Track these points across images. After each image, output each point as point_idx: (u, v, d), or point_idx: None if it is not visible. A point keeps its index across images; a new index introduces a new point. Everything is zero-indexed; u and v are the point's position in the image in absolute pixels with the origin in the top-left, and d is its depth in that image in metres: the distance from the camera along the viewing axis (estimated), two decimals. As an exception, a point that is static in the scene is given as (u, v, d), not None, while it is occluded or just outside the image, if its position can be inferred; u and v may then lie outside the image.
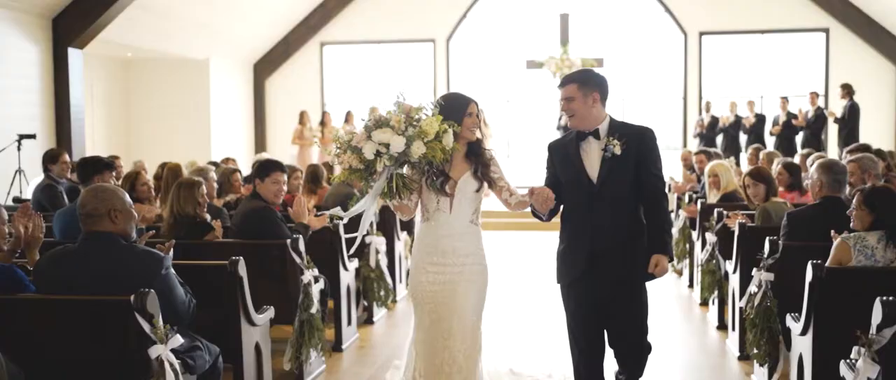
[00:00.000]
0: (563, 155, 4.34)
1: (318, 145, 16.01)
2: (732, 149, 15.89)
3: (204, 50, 17.15)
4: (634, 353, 4.42)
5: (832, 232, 4.63)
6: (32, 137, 11.34)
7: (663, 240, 4.21)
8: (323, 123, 16.67)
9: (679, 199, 9.62)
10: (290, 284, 5.47)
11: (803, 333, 4.28)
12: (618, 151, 4.14)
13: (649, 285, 4.39)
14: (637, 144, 4.20)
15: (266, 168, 5.78)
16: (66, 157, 8.45)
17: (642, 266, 4.20)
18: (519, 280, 9.42)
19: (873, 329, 3.29)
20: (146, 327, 3.53)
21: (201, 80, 17.62)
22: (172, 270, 3.83)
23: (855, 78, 16.71)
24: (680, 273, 9.27)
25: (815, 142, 14.98)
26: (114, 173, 5.96)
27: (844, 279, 4.01)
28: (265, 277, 5.38)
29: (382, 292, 7.33)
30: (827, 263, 4.27)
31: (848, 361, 3.44)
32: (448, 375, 4.27)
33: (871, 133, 16.11)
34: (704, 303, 7.75)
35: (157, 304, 3.57)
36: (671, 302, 8.27)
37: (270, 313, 4.94)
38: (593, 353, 4.41)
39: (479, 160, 4.35)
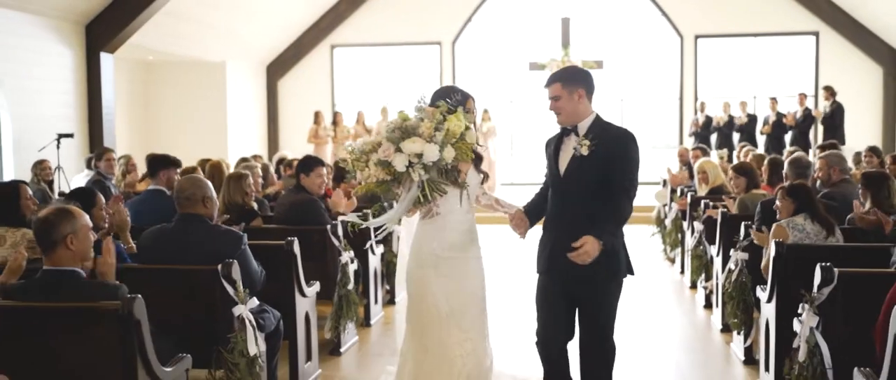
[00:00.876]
0: (549, 150, 4.37)
1: (331, 143, 16.79)
2: (725, 147, 16.67)
3: (220, 53, 17.96)
4: (595, 351, 4.31)
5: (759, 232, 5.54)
6: (70, 136, 12.16)
7: (603, 227, 4.03)
8: (335, 123, 17.47)
9: (672, 192, 10.45)
10: (329, 264, 6.29)
11: (769, 300, 5.11)
12: (585, 151, 4.12)
13: (647, 276, 4.83)
14: (611, 148, 4.13)
15: (310, 164, 6.62)
16: (113, 155, 9.27)
17: (606, 266, 4.10)
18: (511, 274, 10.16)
19: (815, 289, 4.13)
20: (230, 290, 4.37)
21: (218, 82, 18.43)
22: (248, 247, 4.67)
23: (843, 79, 17.55)
24: (673, 261, 10.10)
25: (804, 140, 15.77)
26: (177, 169, 6.78)
27: (800, 254, 4.83)
28: (308, 258, 6.16)
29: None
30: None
31: (798, 317, 4.27)
32: (460, 371, 4.36)
33: (859, 132, 16.93)
34: (693, 286, 8.57)
35: (239, 272, 4.41)
36: (665, 286, 9.09)
37: (317, 286, 5.77)
38: (557, 345, 4.35)
39: (476, 154, 4.49)
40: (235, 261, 4.40)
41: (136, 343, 3.48)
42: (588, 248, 3.93)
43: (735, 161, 12.63)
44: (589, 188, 4.14)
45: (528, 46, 19.40)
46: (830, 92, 15.99)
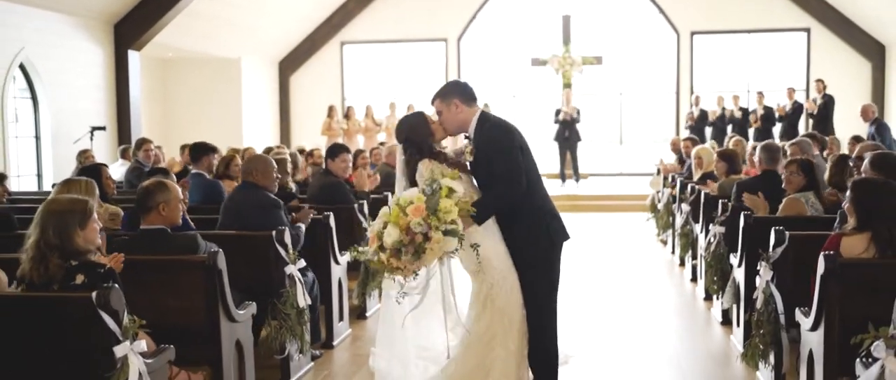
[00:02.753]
0: None
1: (343, 136, 17.60)
2: (719, 140, 17.45)
3: (236, 49, 18.78)
4: (532, 338, 4.52)
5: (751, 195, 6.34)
6: (103, 128, 13.03)
7: (480, 204, 4.26)
8: (347, 116, 18.29)
9: (665, 179, 11.30)
10: (357, 238, 7.12)
11: (739, 266, 5.95)
12: (470, 158, 4.45)
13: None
14: (484, 147, 4.38)
15: (336, 150, 7.46)
16: (152, 146, 10.10)
17: (519, 251, 4.40)
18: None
19: (770, 248, 4.98)
20: (282, 252, 5.22)
21: (233, 78, 19.26)
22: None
23: (834, 74, 18.34)
24: (665, 242, 10.93)
25: (793, 132, 16.52)
26: (215, 155, 7.67)
27: (764, 225, 5.65)
28: (338, 232, 7.03)
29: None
30: (778, 214, 6.02)
31: (755, 269, 5.13)
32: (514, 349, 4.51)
33: (848, 124, 17.70)
34: (682, 263, 9.42)
35: (291, 237, 5.26)
36: (658, 265, 9.93)
37: (348, 256, 6.59)
38: None
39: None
40: (287, 228, 5.27)
41: (218, 288, 4.33)
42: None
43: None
44: (486, 187, 4.41)
45: (530, 43, 20.19)
46: (823, 84, 16.79)
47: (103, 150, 13.39)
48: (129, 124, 14.30)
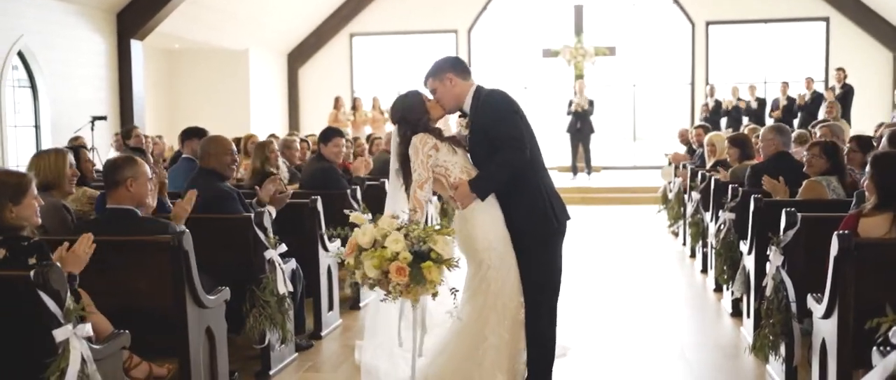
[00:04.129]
0: None
1: (351, 128, 17.34)
2: (735, 131, 17.07)
3: (243, 41, 18.55)
4: (529, 322, 4.31)
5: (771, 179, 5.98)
6: (104, 118, 12.81)
7: (481, 176, 4.14)
8: (354, 108, 18.03)
9: (675, 167, 10.94)
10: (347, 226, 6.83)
11: (749, 252, 5.61)
12: (465, 131, 4.31)
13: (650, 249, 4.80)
14: (480, 115, 4.20)
15: (329, 135, 7.17)
16: (139, 130, 9.91)
17: (519, 230, 4.21)
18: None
19: (781, 231, 4.63)
20: (262, 236, 4.93)
21: (241, 69, 19.05)
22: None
23: (853, 64, 17.88)
24: (676, 234, 10.58)
25: (811, 122, 16.12)
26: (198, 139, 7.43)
27: (776, 208, 5.31)
28: (330, 219, 6.74)
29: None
30: (798, 198, 5.69)
31: (765, 255, 4.78)
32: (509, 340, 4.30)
33: (868, 114, 17.27)
34: (693, 254, 9.07)
35: (270, 220, 4.97)
36: (669, 256, 9.58)
37: (338, 243, 6.31)
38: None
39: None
40: (266, 209, 4.98)
41: (185, 272, 4.04)
42: (461, 190, 4.11)
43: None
44: (486, 161, 4.21)
45: (541, 33, 19.86)
46: (843, 73, 16.37)
47: (104, 139, 13.18)
48: (132, 114, 14.09)
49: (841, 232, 3.69)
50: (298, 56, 21.01)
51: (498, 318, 4.25)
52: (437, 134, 4.30)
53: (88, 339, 3.18)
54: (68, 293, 3.08)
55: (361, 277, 3.84)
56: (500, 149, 4.09)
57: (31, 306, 3.01)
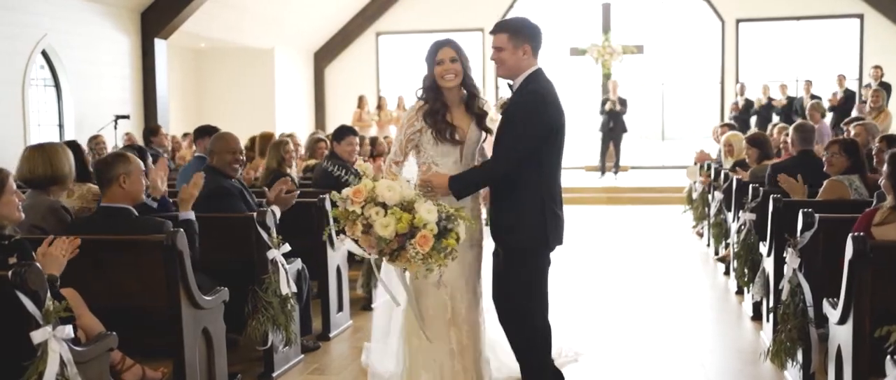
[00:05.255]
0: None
1: (375, 127, 17.30)
2: (764, 130, 16.72)
3: (270, 40, 18.57)
4: (510, 333, 4.18)
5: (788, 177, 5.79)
6: (127, 117, 12.86)
7: (463, 177, 4.00)
8: (379, 107, 17.97)
9: (701, 167, 10.71)
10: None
11: (769, 255, 5.41)
12: (499, 111, 4.09)
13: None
14: (512, 108, 3.99)
15: (342, 133, 7.08)
16: (164, 131, 9.87)
17: (501, 238, 4.06)
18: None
19: (798, 233, 4.44)
20: (264, 236, 4.84)
21: (267, 68, 19.08)
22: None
23: (889, 61, 17.44)
24: (701, 235, 10.36)
25: (843, 120, 15.74)
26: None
27: (796, 209, 5.12)
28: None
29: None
30: (819, 197, 5.50)
31: (783, 258, 4.59)
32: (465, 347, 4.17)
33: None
34: (718, 254, 8.85)
35: (274, 220, 4.88)
36: (693, 257, 9.36)
37: (348, 242, 6.20)
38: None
39: (479, 111, 4.25)
40: (271, 209, 4.89)
41: (178, 272, 3.96)
42: (437, 180, 3.97)
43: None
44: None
45: (569, 32, 19.64)
46: (880, 71, 15.96)
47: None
48: (155, 113, 14.14)
49: (856, 234, 3.51)
50: (325, 55, 21.00)
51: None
52: (437, 117, 4.14)
53: (73, 341, 3.10)
54: (48, 294, 3.00)
55: (353, 230, 3.69)
56: (496, 153, 3.97)
57: (9, 306, 2.93)
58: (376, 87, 20.64)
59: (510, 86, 4.06)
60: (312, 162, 8.82)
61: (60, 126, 12.65)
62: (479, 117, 4.26)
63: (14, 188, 3.38)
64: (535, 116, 3.89)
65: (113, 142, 12.50)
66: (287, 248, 4.97)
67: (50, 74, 12.51)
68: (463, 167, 4.17)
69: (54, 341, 2.96)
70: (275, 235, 4.90)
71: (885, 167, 3.73)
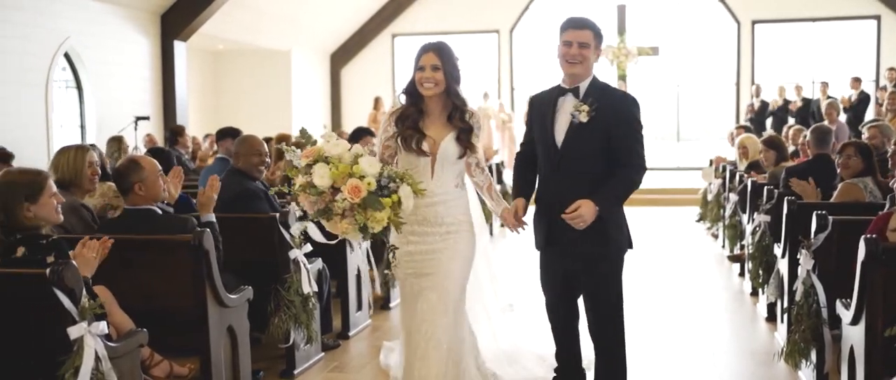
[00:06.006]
0: (541, 112, 4.01)
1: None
2: (780, 132, 16.70)
3: (287, 42, 18.72)
4: (605, 326, 4.05)
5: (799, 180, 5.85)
6: (147, 118, 13.03)
7: (604, 194, 3.80)
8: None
9: (716, 169, 10.77)
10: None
11: (783, 256, 5.48)
12: (584, 118, 3.80)
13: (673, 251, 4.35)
14: (612, 113, 3.82)
15: (359, 134, 7.22)
16: (185, 131, 10.02)
17: (614, 241, 3.93)
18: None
19: (812, 235, 4.51)
20: (287, 236, 4.95)
21: (283, 70, 19.23)
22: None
23: (906, 64, 17.43)
24: (716, 236, 10.41)
25: (857, 124, 15.73)
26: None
27: (810, 211, 5.18)
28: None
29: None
30: (833, 200, 5.56)
31: (797, 259, 4.66)
32: (424, 351, 3.89)
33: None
34: (732, 253, 8.91)
35: (295, 218, 4.99)
36: (707, 259, 9.42)
37: (367, 243, 6.32)
38: (563, 322, 4.17)
39: (461, 124, 3.95)
40: (291, 209, 5.00)
41: (205, 270, 4.07)
42: (583, 211, 3.71)
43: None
44: (589, 159, 3.86)
45: (584, 34, 19.65)
46: (894, 73, 15.95)
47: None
48: (175, 114, 14.31)
49: (868, 236, 3.58)
50: (341, 56, 21.13)
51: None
52: (405, 123, 3.92)
53: (106, 337, 3.21)
54: (84, 291, 3.11)
55: (300, 186, 3.53)
56: (623, 161, 3.84)
57: (47, 303, 3.05)
58: (392, 88, 20.74)
59: (564, 89, 3.91)
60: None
61: (82, 127, 12.83)
62: (462, 131, 3.96)
63: (53, 190, 3.49)
64: (637, 117, 3.90)
65: (133, 143, 12.67)
66: (309, 248, 5.08)
67: (72, 76, 12.70)
68: (436, 184, 3.92)
69: (90, 336, 3.07)
70: (297, 235, 5.01)
71: (898, 170, 3.79)
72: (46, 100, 11.75)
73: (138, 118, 12.79)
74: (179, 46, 14.42)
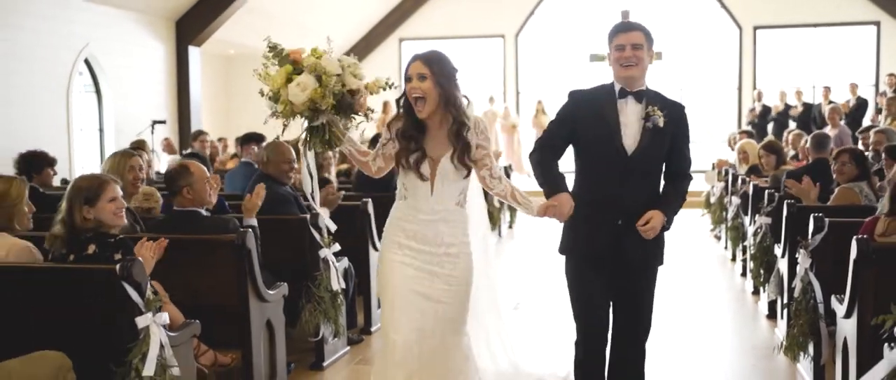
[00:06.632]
0: (595, 112, 3.77)
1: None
2: (781, 136, 17.00)
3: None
4: (638, 337, 4.01)
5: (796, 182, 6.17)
6: (163, 122, 13.38)
7: (671, 206, 3.80)
8: (403, 112, 18.36)
9: (719, 173, 11.11)
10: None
11: (783, 256, 5.80)
12: (661, 123, 3.69)
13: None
14: (675, 120, 3.75)
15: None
16: (206, 137, 10.36)
17: (662, 252, 3.95)
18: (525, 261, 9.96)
19: (809, 234, 4.85)
20: (317, 236, 5.28)
21: (293, 74, 19.50)
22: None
23: (905, 69, 17.73)
24: (719, 238, 10.73)
25: (855, 128, 16.02)
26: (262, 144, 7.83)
27: (806, 214, 5.50)
28: (380, 221, 7.07)
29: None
30: (830, 203, 5.87)
31: (793, 259, 4.99)
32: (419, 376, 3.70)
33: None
34: (734, 258, 9.23)
35: (324, 222, 5.31)
36: (710, 260, 9.75)
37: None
38: (599, 336, 3.93)
39: (456, 141, 3.71)
40: (321, 212, 5.34)
41: (248, 268, 4.40)
42: (656, 223, 3.69)
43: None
44: (658, 164, 3.80)
45: (588, 38, 19.97)
46: (895, 79, 16.24)
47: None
48: (190, 118, 14.65)
49: (860, 237, 3.90)
50: (349, 60, 21.41)
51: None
52: (408, 140, 3.75)
53: (165, 326, 3.54)
54: (148, 285, 3.44)
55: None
56: (677, 169, 3.85)
57: (117, 296, 3.38)
58: (401, 92, 21.01)
59: (625, 91, 3.74)
60: (345, 166, 9.28)
61: (101, 131, 13.16)
62: (463, 149, 3.72)
63: (112, 196, 3.80)
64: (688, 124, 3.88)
65: (151, 146, 12.99)
66: (337, 247, 5.41)
67: (91, 81, 13.03)
68: (436, 201, 3.76)
69: (155, 326, 3.40)
70: (326, 235, 5.33)
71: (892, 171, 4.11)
72: (67, 104, 12.08)
73: (155, 122, 13.13)
74: (194, 52, 14.77)
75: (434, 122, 3.73)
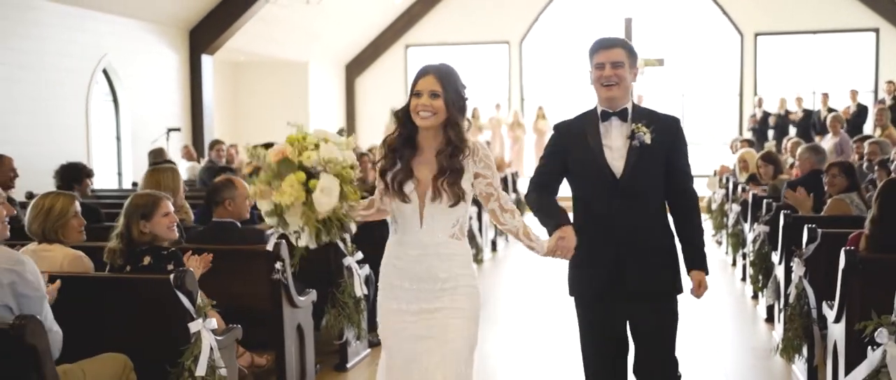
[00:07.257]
0: (580, 139, 3.59)
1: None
2: (781, 143, 17.29)
3: (304, 53, 19.41)
4: (660, 371, 3.70)
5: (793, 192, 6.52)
6: (178, 130, 13.74)
7: (701, 253, 3.64)
8: (410, 119, 18.67)
9: (720, 179, 11.45)
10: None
11: (780, 263, 6.14)
12: (648, 139, 3.46)
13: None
14: (668, 135, 3.52)
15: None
16: (223, 146, 10.70)
17: (676, 277, 3.62)
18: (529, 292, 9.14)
19: (803, 244, 5.19)
20: (341, 246, 5.62)
21: (301, 81, 19.90)
22: None
23: (904, 76, 18.03)
24: (719, 243, 11.06)
25: (855, 135, 16.32)
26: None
27: (801, 223, 5.83)
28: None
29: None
30: (823, 214, 6.20)
31: (789, 267, 5.34)
32: None
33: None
34: (735, 263, 9.56)
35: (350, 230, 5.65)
36: (711, 265, 9.99)
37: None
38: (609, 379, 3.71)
39: (447, 163, 3.22)
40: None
41: (281, 276, 4.74)
42: (698, 279, 3.65)
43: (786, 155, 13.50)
44: (652, 184, 3.52)
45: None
46: (894, 86, 16.52)
47: (178, 149, 14.07)
48: (203, 126, 15.01)
49: (848, 248, 4.25)
50: (355, 67, 21.81)
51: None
52: (395, 157, 3.31)
53: (213, 331, 3.89)
54: (198, 293, 3.79)
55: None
56: (680, 188, 3.62)
57: (171, 303, 3.72)
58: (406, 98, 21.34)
59: (608, 113, 3.55)
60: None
61: (118, 138, 13.52)
62: (454, 174, 3.23)
63: (165, 211, 4.14)
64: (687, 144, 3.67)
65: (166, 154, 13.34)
66: (360, 255, 5.76)
67: (109, 90, 13.40)
68: (425, 234, 3.30)
69: (205, 330, 3.74)
70: (349, 244, 5.68)
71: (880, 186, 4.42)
72: (86, 113, 12.44)
73: (170, 130, 13.49)
74: (206, 60, 15.13)
75: (431, 142, 3.27)
